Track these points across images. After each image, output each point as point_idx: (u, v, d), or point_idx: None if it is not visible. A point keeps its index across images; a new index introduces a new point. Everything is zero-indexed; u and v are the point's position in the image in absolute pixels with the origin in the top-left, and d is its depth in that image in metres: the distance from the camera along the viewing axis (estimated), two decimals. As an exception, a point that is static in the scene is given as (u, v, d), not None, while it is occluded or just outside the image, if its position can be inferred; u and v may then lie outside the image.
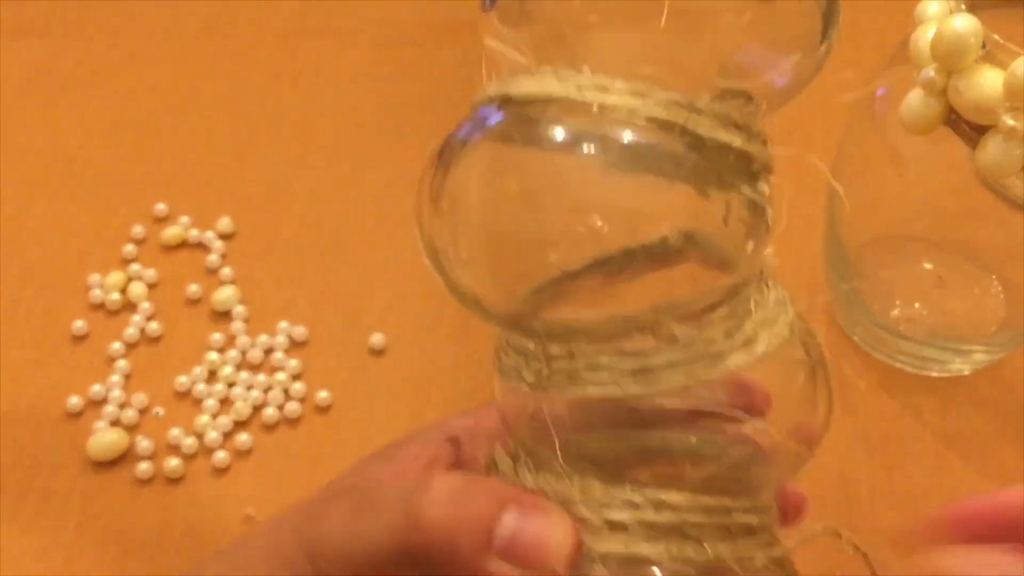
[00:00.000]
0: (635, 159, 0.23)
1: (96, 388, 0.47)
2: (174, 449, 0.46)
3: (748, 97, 0.24)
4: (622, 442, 0.26)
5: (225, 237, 0.53)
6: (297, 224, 0.54)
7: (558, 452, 0.25)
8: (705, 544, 0.24)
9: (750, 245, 0.25)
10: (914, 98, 0.36)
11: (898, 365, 0.47)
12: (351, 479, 0.28)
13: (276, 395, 0.47)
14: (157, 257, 0.53)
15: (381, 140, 0.57)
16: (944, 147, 0.38)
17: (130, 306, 0.50)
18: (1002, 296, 0.45)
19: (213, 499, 0.44)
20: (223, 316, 0.50)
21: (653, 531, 0.24)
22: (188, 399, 0.47)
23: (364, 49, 0.62)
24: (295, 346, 0.49)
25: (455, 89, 0.60)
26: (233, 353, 0.48)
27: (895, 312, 0.46)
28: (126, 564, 0.42)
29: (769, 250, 0.26)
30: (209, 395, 0.47)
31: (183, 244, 0.53)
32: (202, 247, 0.53)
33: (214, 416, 0.46)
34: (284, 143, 0.58)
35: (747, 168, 0.25)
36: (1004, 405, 0.46)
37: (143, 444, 0.45)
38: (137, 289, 0.51)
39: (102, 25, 0.64)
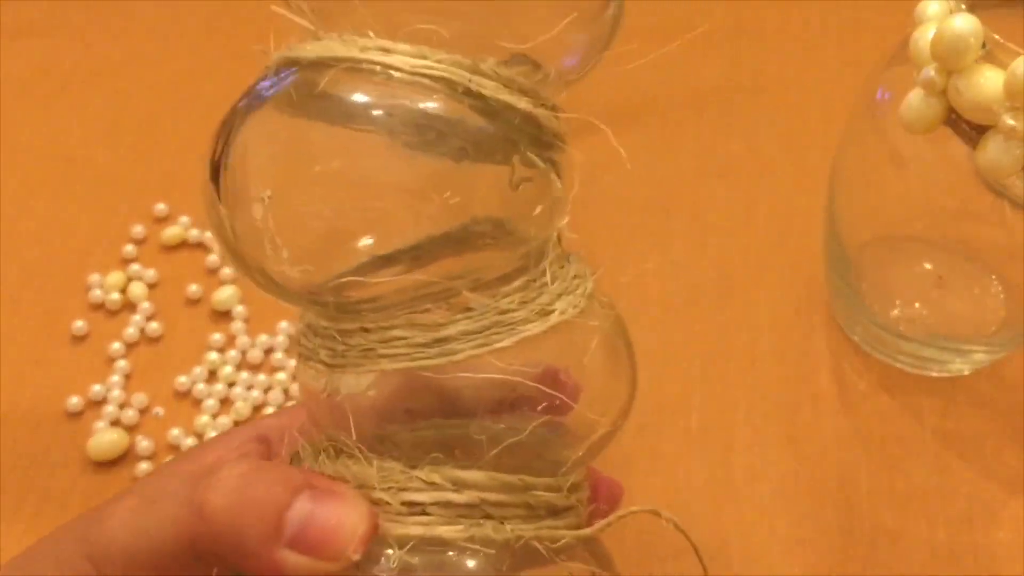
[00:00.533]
0: (418, 123, 0.23)
1: (96, 388, 0.47)
2: (174, 449, 0.45)
3: (535, 64, 0.24)
4: (423, 431, 0.25)
5: (225, 237, 0.53)
6: (297, 224, 0.54)
7: (352, 433, 0.24)
8: (506, 523, 0.24)
9: (539, 215, 0.25)
10: (914, 98, 0.36)
11: (898, 365, 0.47)
12: (143, 480, 0.26)
13: (276, 395, 0.47)
14: (157, 257, 0.53)
15: (381, 140, 0.57)
16: (944, 147, 0.38)
17: (130, 306, 0.51)
18: (1002, 296, 0.45)
19: (213, 499, 0.44)
20: (223, 316, 0.50)
21: (452, 511, 0.24)
22: (188, 399, 0.47)
23: (364, 49, 0.62)
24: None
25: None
26: (233, 353, 0.48)
27: (895, 312, 0.46)
28: (126, 564, 0.42)
29: (565, 221, 0.25)
30: (209, 395, 0.47)
31: (183, 244, 0.53)
32: (202, 247, 0.53)
33: (214, 416, 0.46)
34: (284, 143, 0.58)
35: (536, 135, 0.24)
36: (1004, 405, 0.46)
37: (143, 444, 0.45)
38: (137, 289, 0.51)
39: (102, 25, 0.64)
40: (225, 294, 0.50)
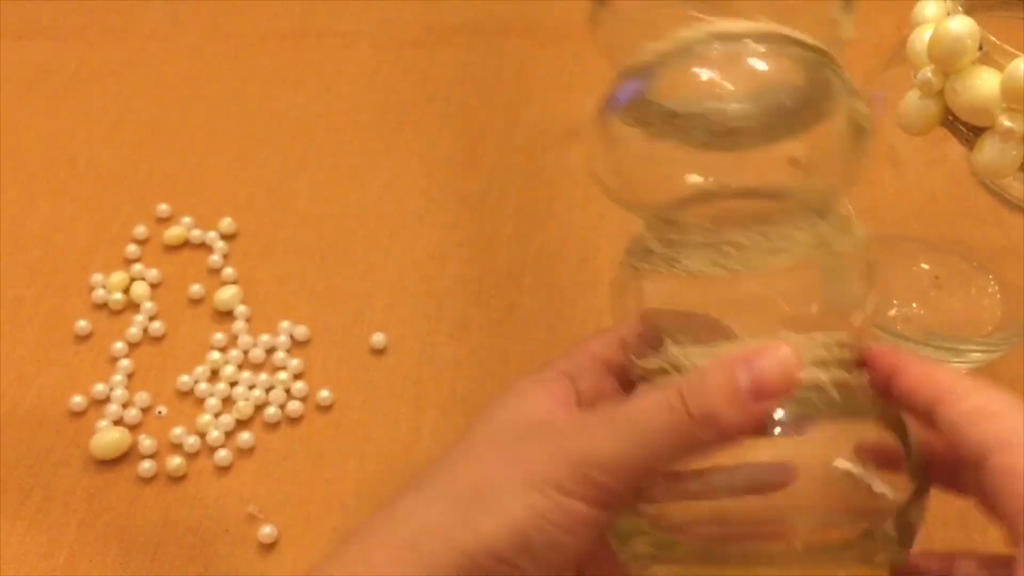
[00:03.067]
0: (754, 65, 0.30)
1: (99, 387, 0.47)
2: (176, 448, 0.46)
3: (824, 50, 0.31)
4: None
5: (227, 237, 0.53)
6: (298, 224, 0.54)
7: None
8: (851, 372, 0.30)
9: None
10: (911, 99, 0.37)
11: (896, 365, 0.47)
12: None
13: (278, 394, 0.47)
14: (160, 257, 0.53)
15: (381, 141, 0.58)
16: (941, 148, 0.38)
17: (133, 306, 0.51)
18: (999, 296, 0.46)
19: (215, 498, 0.44)
20: (225, 316, 0.50)
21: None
22: (190, 398, 0.48)
23: (365, 50, 0.62)
24: (297, 345, 0.49)
25: (455, 90, 0.60)
26: (235, 352, 0.49)
27: (892, 312, 0.47)
28: (129, 562, 0.42)
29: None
30: (211, 394, 0.47)
31: (185, 244, 0.53)
32: (204, 247, 0.53)
33: (216, 415, 0.47)
34: (286, 144, 0.58)
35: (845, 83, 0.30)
36: (1001, 404, 0.46)
37: (145, 443, 0.45)
38: (140, 289, 0.51)
39: (104, 26, 0.64)
40: (227, 294, 0.50)
